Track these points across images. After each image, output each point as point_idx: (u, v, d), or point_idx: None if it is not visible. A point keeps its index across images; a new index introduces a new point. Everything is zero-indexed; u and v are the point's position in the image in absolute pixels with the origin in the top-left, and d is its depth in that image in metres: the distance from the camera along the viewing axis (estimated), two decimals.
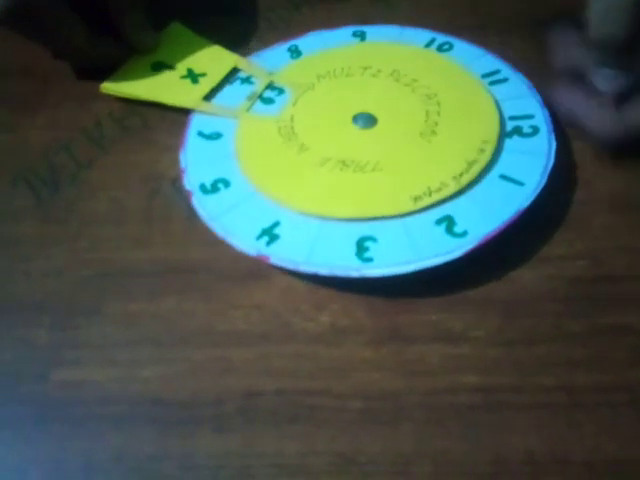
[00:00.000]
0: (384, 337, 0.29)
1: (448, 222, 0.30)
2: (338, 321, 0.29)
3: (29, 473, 0.26)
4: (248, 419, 0.26)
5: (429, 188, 0.31)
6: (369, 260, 0.29)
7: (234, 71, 0.39)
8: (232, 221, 0.32)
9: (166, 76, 0.39)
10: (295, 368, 0.28)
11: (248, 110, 0.37)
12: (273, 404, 0.27)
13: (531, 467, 0.25)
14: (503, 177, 0.32)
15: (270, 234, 0.31)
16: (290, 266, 0.30)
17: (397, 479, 0.25)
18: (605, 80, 0.33)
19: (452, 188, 0.31)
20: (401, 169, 0.33)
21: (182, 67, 0.39)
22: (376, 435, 0.26)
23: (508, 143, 0.34)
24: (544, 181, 0.32)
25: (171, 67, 0.39)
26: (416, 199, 0.31)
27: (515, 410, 0.26)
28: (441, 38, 0.40)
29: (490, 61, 0.38)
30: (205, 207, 0.32)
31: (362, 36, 0.40)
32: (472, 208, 0.31)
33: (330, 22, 0.41)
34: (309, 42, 0.40)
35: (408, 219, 0.31)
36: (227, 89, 0.38)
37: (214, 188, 0.33)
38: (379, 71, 0.37)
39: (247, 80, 0.38)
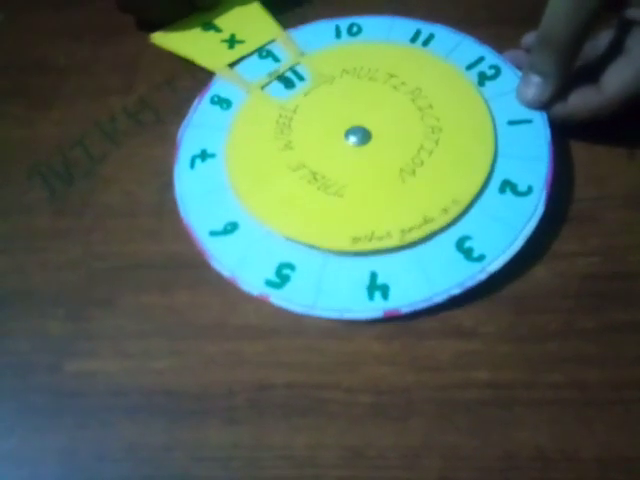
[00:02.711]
0: (394, 332, 0.29)
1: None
2: (346, 317, 0.29)
3: (42, 462, 0.26)
4: (258, 412, 0.27)
5: (373, 233, 0.30)
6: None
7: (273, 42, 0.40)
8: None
9: (209, 37, 0.40)
10: (306, 362, 0.28)
11: (262, 88, 0.37)
12: (283, 397, 0.27)
13: (541, 463, 0.25)
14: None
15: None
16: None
17: (406, 473, 0.25)
18: (529, 87, 0.34)
19: (394, 241, 0.30)
20: (359, 203, 0.32)
21: (227, 31, 0.41)
22: (386, 429, 0.26)
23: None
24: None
25: (218, 30, 0.41)
26: (355, 240, 0.30)
27: (525, 406, 0.26)
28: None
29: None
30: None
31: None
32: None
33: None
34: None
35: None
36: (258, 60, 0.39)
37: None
38: (403, 84, 0.36)
39: (278, 55, 0.39)
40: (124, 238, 0.32)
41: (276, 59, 0.39)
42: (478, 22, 0.41)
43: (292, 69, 0.38)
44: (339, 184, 0.32)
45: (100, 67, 0.41)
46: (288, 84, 0.37)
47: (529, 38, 0.36)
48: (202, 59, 0.39)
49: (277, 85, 0.37)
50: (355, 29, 0.40)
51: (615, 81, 0.31)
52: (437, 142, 0.33)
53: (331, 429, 0.26)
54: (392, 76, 0.36)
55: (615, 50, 0.32)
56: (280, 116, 0.36)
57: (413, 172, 0.32)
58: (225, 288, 0.30)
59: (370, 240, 0.30)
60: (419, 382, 0.27)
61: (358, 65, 0.37)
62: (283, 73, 0.38)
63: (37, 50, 0.43)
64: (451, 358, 0.28)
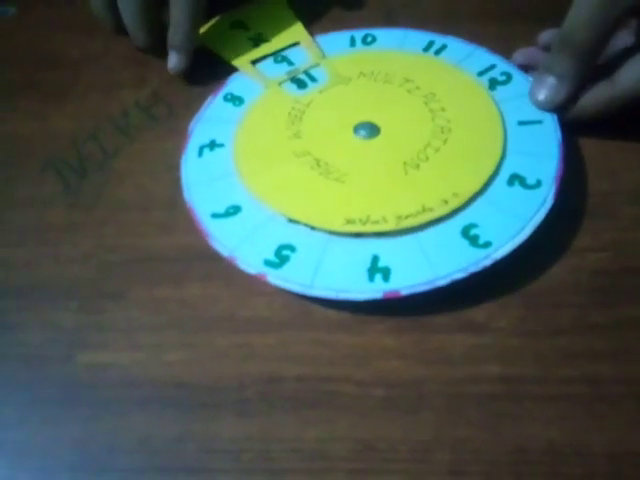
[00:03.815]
0: (405, 326, 0.29)
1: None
2: (359, 309, 0.29)
3: (54, 452, 0.26)
4: (269, 404, 0.27)
5: (368, 217, 0.30)
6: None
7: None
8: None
9: (236, 35, 0.42)
10: (316, 355, 0.28)
11: (280, 84, 0.38)
12: (294, 390, 0.27)
13: (552, 457, 0.25)
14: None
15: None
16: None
17: (416, 466, 0.25)
18: (543, 88, 0.34)
19: (389, 226, 0.30)
20: (358, 189, 0.32)
21: (255, 30, 0.42)
22: (396, 422, 0.26)
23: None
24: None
25: (246, 28, 0.42)
26: (349, 222, 0.30)
27: (537, 401, 0.26)
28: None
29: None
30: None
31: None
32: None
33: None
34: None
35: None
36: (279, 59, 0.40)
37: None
38: (417, 88, 0.36)
39: (301, 56, 0.40)
40: (136, 231, 0.33)
41: (297, 60, 0.39)
42: (491, 18, 0.41)
43: (311, 69, 0.38)
44: (341, 171, 0.33)
45: (113, 61, 0.41)
46: (305, 82, 0.38)
47: (546, 35, 0.36)
48: (227, 54, 0.40)
49: (295, 83, 0.38)
50: (369, 39, 0.40)
51: (628, 75, 0.31)
52: (445, 141, 0.33)
53: (342, 422, 0.26)
54: (408, 80, 0.37)
55: (631, 48, 0.32)
56: (293, 109, 0.36)
57: (417, 166, 0.32)
58: (236, 281, 0.30)
59: (365, 224, 0.30)
60: (430, 376, 0.27)
61: (376, 69, 0.38)
62: (302, 72, 0.38)
63: (50, 44, 0.43)
64: (462, 352, 0.28)
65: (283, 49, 0.40)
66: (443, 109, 0.35)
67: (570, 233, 0.31)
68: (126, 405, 0.27)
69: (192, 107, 0.37)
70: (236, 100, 0.37)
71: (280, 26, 0.42)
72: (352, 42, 0.40)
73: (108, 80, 0.40)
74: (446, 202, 0.30)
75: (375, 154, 0.33)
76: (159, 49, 0.40)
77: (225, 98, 0.37)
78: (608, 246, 0.30)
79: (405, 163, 0.33)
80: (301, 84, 0.38)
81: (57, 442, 0.27)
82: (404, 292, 0.28)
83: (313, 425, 0.26)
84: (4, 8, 0.46)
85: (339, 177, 0.32)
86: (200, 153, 0.35)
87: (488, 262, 0.29)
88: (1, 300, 0.31)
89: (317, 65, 0.39)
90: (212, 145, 0.35)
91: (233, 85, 0.38)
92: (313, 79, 0.38)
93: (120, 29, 0.41)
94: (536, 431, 0.25)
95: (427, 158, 0.33)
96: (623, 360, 0.27)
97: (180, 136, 0.36)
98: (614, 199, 0.32)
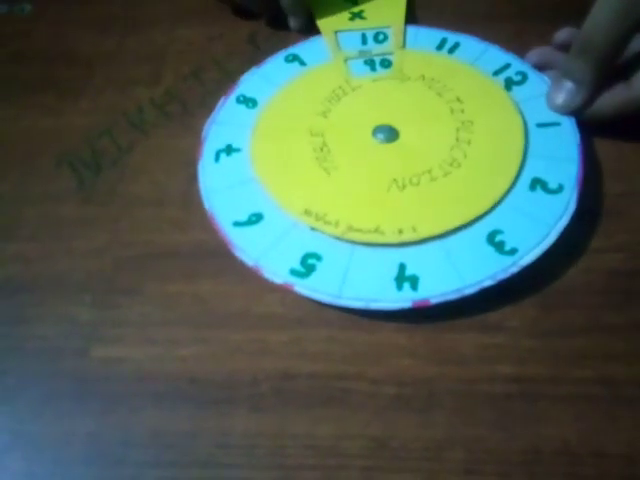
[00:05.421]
0: (418, 325, 0.29)
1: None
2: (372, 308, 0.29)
3: (68, 446, 0.26)
4: (283, 400, 0.27)
5: (325, 215, 0.31)
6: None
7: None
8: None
9: (340, 7, 0.43)
10: (329, 352, 0.28)
11: (345, 60, 0.38)
12: (307, 387, 0.27)
13: (566, 458, 0.25)
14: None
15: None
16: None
17: (429, 465, 0.25)
18: (561, 93, 0.34)
19: (338, 231, 0.30)
20: (334, 187, 0.32)
21: (360, 7, 0.43)
22: (409, 421, 0.26)
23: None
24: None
25: (355, 2, 0.43)
26: (306, 212, 0.31)
27: (551, 401, 0.26)
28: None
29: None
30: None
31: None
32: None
33: None
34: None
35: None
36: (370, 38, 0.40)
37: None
38: (462, 112, 0.35)
39: (384, 40, 0.40)
40: (150, 227, 0.33)
41: (383, 42, 0.40)
42: (505, 17, 0.41)
43: (383, 56, 0.39)
44: (334, 163, 0.33)
45: (128, 58, 0.41)
46: (368, 66, 0.38)
47: (561, 35, 0.36)
48: (320, 20, 0.41)
49: (361, 63, 0.38)
50: (381, 37, 0.40)
51: None
52: (460, 165, 0.33)
53: (355, 419, 0.26)
54: (458, 100, 0.36)
55: None
56: (339, 87, 0.37)
57: (403, 187, 0.32)
58: (250, 277, 0.30)
59: (318, 220, 0.31)
60: (442, 374, 0.27)
61: (437, 77, 0.37)
62: (373, 56, 0.39)
63: (65, 41, 0.43)
64: (475, 351, 0.28)
65: (372, 29, 0.40)
66: (469, 142, 0.34)
67: (585, 234, 0.31)
68: (140, 399, 0.27)
69: (206, 105, 0.37)
70: (249, 102, 0.37)
71: (385, 7, 0.42)
72: (364, 40, 0.40)
73: (122, 77, 0.40)
74: (401, 232, 0.30)
75: (374, 161, 0.33)
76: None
77: (238, 100, 0.37)
78: (623, 247, 0.30)
79: (394, 180, 0.32)
80: (365, 67, 0.38)
81: (71, 435, 0.27)
82: (433, 301, 0.28)
83: (326, 422, 0.26)
84: (20, 6, 0.46)
85: (328, 168, 0.33)
86: (217, 158, 0.34)
87: (515, 269, 0.29)
88: (16, 294, 0.31)
89: (390, 54, 0.39)
90: (229, 150, 0.35)
91: (245, 86, 0.38)
92: (378, 66, 0.38)
93: (239, 11, 0.42)
94: (551, 431, 0.25)
95: (418, 183, 0.32)
96: (638, 361, 0.27)
97: (194, 133, 0.36)
98: (629, 200, 0.32)
